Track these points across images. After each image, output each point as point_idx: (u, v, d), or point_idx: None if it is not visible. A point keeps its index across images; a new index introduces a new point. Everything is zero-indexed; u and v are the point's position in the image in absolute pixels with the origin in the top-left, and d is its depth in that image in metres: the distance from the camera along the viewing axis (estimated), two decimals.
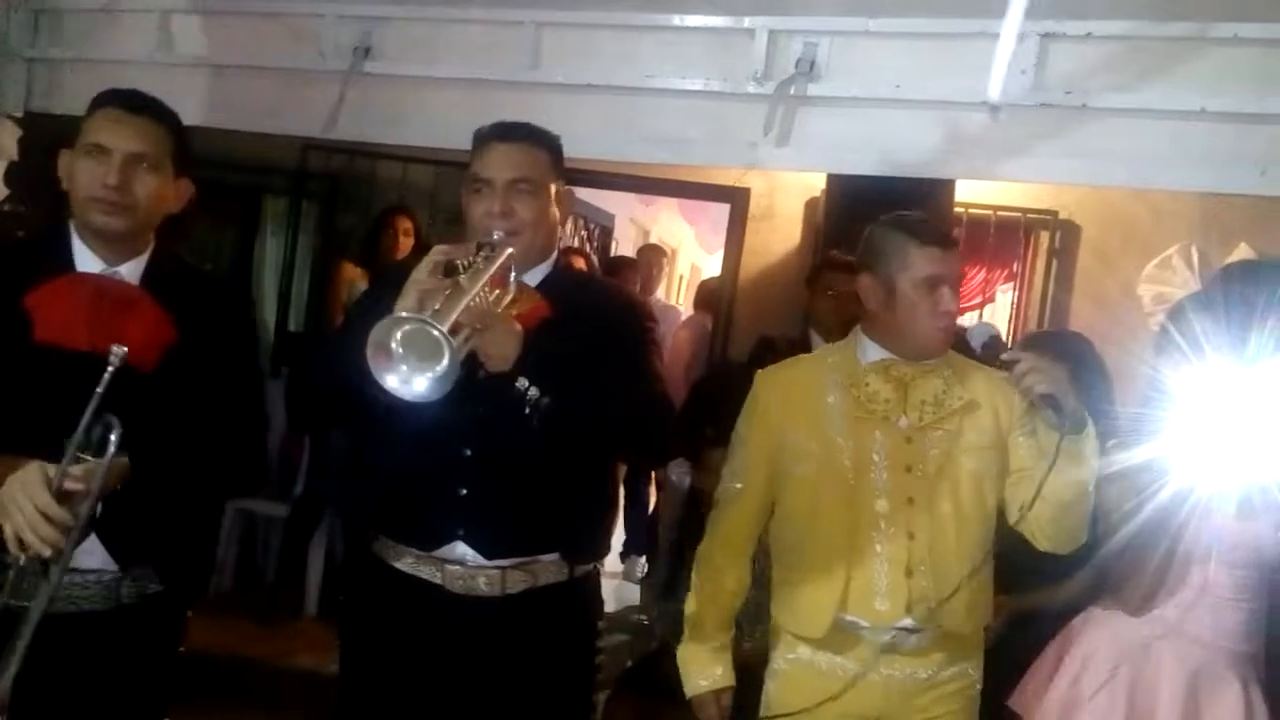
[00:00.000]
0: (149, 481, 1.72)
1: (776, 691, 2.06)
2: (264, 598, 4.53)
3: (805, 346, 3.91)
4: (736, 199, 5.18)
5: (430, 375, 1.57)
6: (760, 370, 2.14)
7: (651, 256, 6.12)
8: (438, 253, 1.71)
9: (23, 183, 2.82)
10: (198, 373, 1.77)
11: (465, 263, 1.71)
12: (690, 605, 2.14)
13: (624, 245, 7.62)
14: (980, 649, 2.07)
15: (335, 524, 4.48)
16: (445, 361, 1.54)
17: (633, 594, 5.05)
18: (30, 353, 1.70)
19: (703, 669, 2.09)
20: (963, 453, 1.96)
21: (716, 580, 2.10)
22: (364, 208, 5.29)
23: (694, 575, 2.14)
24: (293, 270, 5.52)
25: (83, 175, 1.77)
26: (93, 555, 1.74)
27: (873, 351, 2.02)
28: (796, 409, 2.03)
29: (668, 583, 3.39)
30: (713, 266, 6.51)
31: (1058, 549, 1.98)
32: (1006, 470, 1.98)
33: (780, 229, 5.16)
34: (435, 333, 1.53)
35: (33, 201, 2.50)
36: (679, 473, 3.77)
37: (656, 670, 3.20)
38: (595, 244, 6.72)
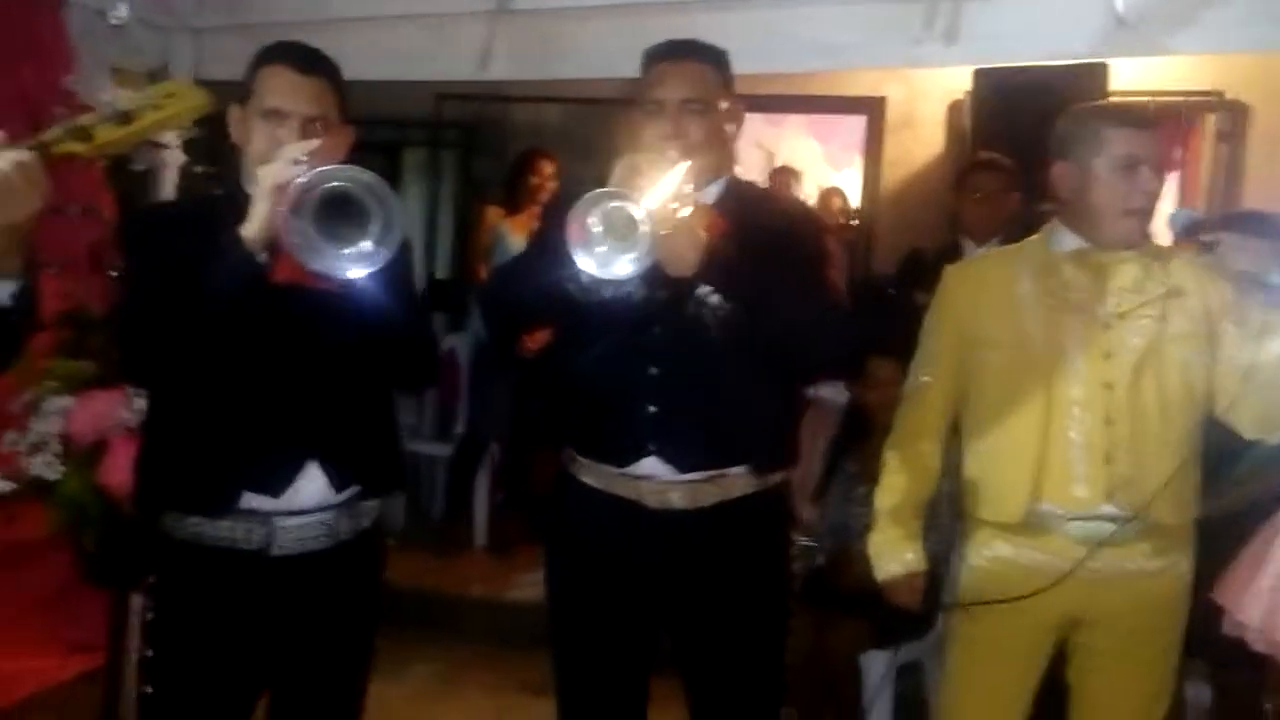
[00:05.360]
0: (347, 400, 1.84)
1: (974, 585, 2.05)
2: (434, 534, 4.70)
3: (957, 255, 3.80)
4: (873, 110, 5.07)
5: (626, 256, 1.68)
6: (950, 265, 2.15)
7: (783, 178, 6.12)
8: (625, 161, 1.76)
9: (201, 148, 2.98)
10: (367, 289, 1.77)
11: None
12: (880, 496, 2.16)
13: (750, 171, 7.54)
14: (1190, 542, 2.01)
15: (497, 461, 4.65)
16: (641, 238, 1.64)
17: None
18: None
19: (895, 554, 2.11)
20: (1170, 341, 1.90)
21: (905, 470, 2.13)
22: (500, 152, 5.38)
23: (883, 467, 2.16)
24: (435, 219, 5.67)
25: (261, 141, 1.81)
26: (313, 485, 1.83)
27: (1068, 240, 1.97)
28: (987, 300, 2.02)
29: (816, 491, 3.43)
30: (843, 184, 6.38)
31: (1266, 436, 1.91)
32: (1215, 359, 1.91)
33: (921, 137, 5.03)
34: (633, 210, 1.64)
35: (213, 162, 2.64)
36: (833, 390, 3.76)
37: (826, 584, 3.23)
38: None
